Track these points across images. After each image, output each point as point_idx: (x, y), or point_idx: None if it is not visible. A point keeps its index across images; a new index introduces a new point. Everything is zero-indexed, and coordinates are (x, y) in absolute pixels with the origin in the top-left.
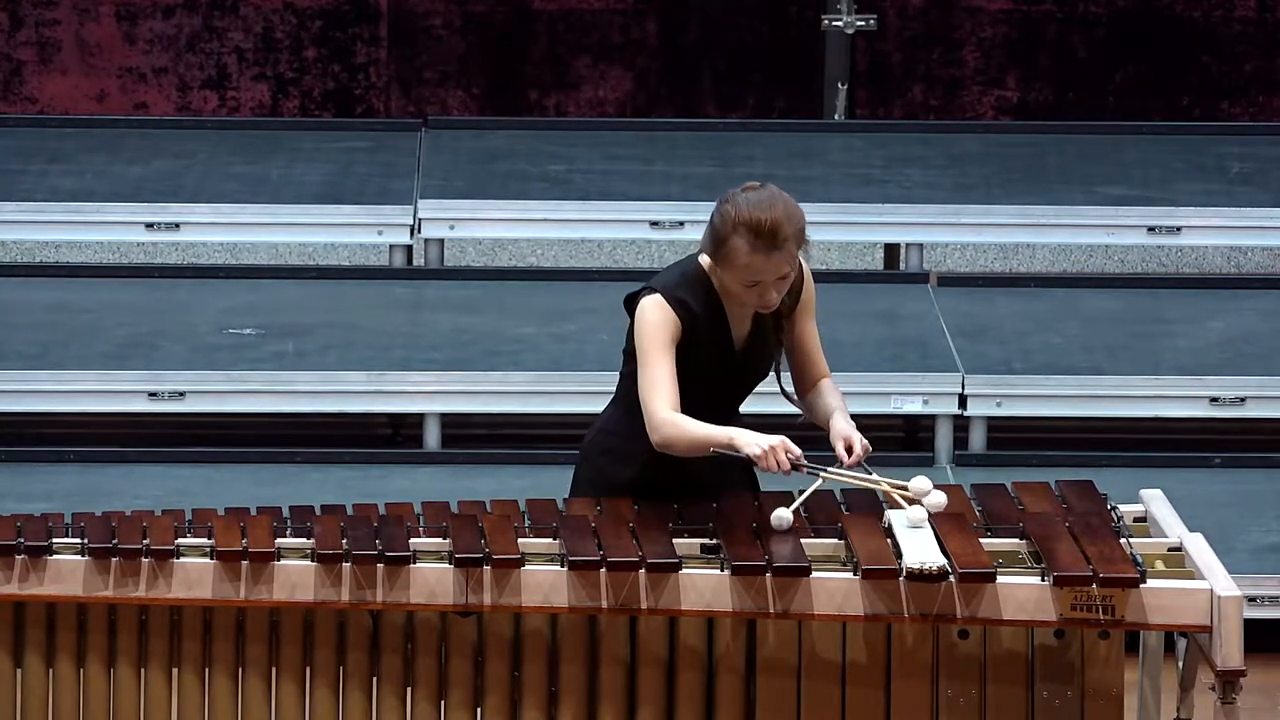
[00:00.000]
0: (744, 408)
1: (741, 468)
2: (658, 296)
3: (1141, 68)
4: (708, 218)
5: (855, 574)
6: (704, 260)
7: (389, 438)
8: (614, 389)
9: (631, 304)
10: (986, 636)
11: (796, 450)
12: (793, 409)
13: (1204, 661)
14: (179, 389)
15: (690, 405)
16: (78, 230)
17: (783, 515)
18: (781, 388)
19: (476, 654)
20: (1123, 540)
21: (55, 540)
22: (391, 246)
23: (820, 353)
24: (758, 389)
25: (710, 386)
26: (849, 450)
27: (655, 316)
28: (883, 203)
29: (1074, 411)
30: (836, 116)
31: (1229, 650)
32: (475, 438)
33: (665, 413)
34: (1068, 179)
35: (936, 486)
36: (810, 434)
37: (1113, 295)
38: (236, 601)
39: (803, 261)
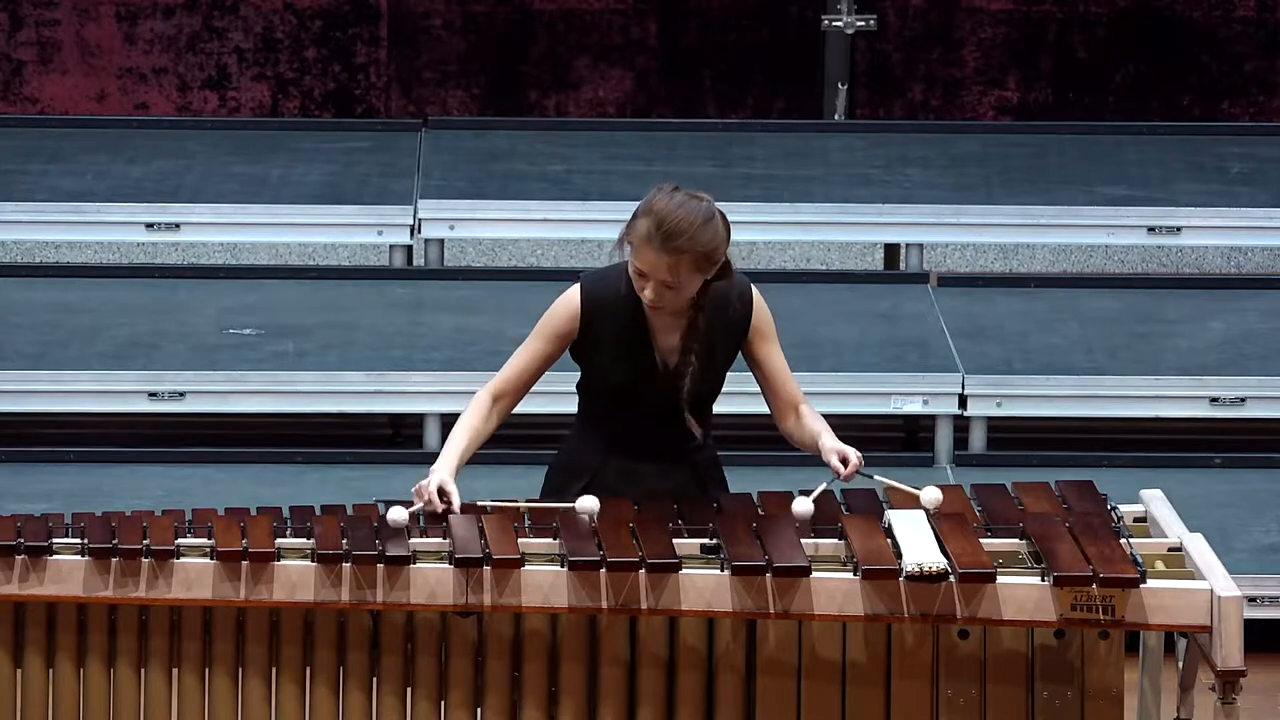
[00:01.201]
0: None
1: (700, 478)
2: (575, 287)
3: (1141, 68)
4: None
5: (855, 574)
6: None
7: (389, 438)
8: None
9: None
10: (986, 636)
11: (450, 495)
12: (766, 409)
13: (1204, 661)
14: (179, 389)
15: (623, 411)
16: (78, 230)
17: (805, 504)
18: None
19: (476, 654)
20: (1123, 540)
21: (55, 540)
22: (391, 246)
23: (789, 378)
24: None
25: (637, 392)
26: (845, 463)
27: (555, 308)
28: (883, 203)
29: (1074, 411)
30: (836, 116)
31: (1229, 650)
32: None
33: (477, 395)
34: (1068, 179)
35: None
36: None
37: (1113, 295)
38: (236, 601)
39: (754, 290)
